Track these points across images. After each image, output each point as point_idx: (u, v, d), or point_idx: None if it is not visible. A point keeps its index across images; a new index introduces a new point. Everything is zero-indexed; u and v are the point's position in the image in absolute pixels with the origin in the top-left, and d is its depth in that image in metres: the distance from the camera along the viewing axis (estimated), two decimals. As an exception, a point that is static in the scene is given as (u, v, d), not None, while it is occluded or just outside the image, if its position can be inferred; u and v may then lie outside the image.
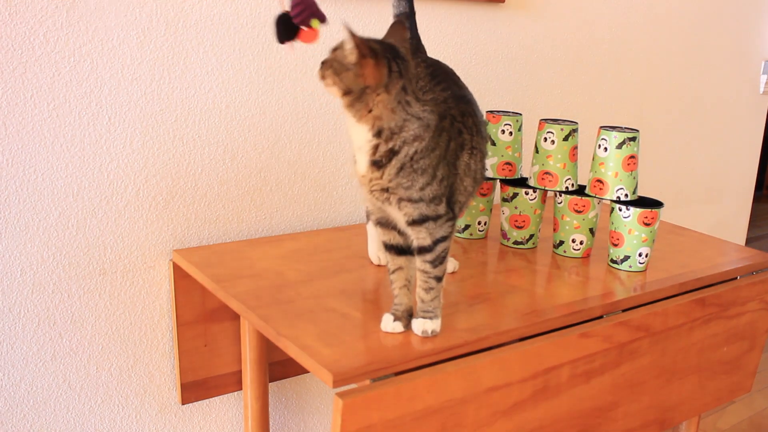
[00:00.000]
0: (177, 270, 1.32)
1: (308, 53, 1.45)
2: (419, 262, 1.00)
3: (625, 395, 1.19)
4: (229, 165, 1.40)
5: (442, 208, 0.99)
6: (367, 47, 0.92)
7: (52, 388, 1.29)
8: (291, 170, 1.48)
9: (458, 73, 1.68)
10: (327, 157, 1.52)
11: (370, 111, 0.94)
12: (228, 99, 1.37)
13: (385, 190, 0.97)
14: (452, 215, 1.01)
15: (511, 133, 1.41)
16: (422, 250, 0.99)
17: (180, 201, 1.35)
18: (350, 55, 0.93)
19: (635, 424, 1.24)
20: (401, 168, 0.95)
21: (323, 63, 0.97)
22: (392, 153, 0.95)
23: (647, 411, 1.25)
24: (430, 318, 1.00)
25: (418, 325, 1.00)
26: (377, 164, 0.95)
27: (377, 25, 1.52)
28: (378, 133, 0.94)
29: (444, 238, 1.00)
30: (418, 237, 0.99)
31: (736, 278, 1.36)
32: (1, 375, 1.24)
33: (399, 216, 1.00)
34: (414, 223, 0.98)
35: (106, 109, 1.24)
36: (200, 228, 1.39)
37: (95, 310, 1.30)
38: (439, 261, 0.99)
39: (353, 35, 0.92)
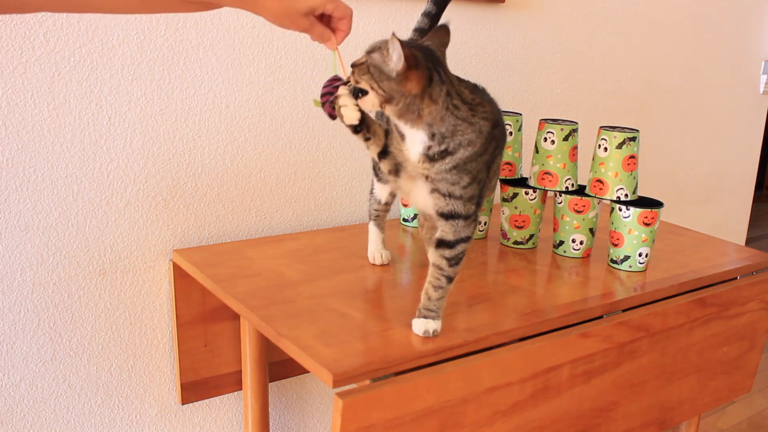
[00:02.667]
0: (177, 270, 1.32)
1: (309, 53, 1.45)
2: (436, 256, 1.00)
3: (625, 395, 1.19)
4: (229, 165, 1.40)
5: (472, 209, 1.02)
6: (413, 57, 0.93)
7: (52, 388, 1.29)
8: (291, 170, 1.48)
9: (458, 73, 1.68)
10: (327, 158, 1.52)
11: (420, 117, 0.96)
12: (228, 99, 1.37)
13: (427, 177, 1.01)
14: (476, 217, 1.04)
15: (511, 133, 1.41)
16: (443, 244, 1.01)
17: (180, 201, 1.35)
18: (396, 64, 0.93)
19: (635, 424, 1.24)
20: (454, 167, 0.98)
21: (356, 66, 0.97)
22: (446, 153, 0.98)
23: (647, 411, 1.25)
24: (433, 318, 1.00)
25: (420, 325, 1.00)
26: (430, 158, 0.98)
27: (377, 25, 1.52)
28: (431, 137, 0.97)
29: (467, 239, 1.02)
30: (443, 230, 1.01)
31: (736, 278, 1.36)
32: (1, 375, 1.24)
33: (429, 201, 1.02)
34: (443, 216, 1.01)
35: (106, 109, 1.24)
36: (200, 228, 1.39)
37: (95, 310, 1.30)
38: (456, 261, 1.00)
39: (402, 44, 0.92)
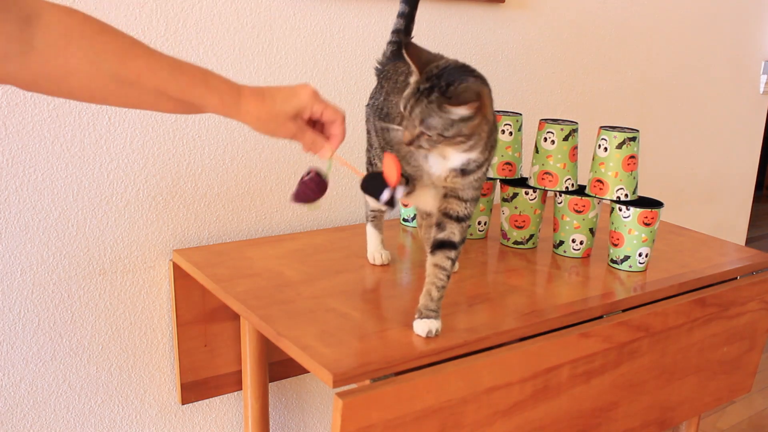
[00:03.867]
0: (177, 270, 1.32)
1: (309, 53, 1.45)
2: (441, 258, 1.01)
3: (625, 395, 1.19)
4: (229, 165, 1.40)
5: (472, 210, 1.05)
6: (478, 95, 0.91)
7: (52, 388, 1.29)
8: (291, 170, 1.48)
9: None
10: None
11: (481, 138, 0.96)
12: (228, 99, 1.37)
13: (450, 187, 1.02)
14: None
15: (511, 133, 1.41)
16: (449, 245, 1.02)
17: (180, 201, 1.35)
18: (465, 109, 0.91)
19: (635, 424, 1.24)
20: (485, 173, 1.01)
21: (415, 141, 0.93)
22: (485, 161, 0.99)
23: (647, 411, 1.25)
24: (434, 318, 1.00)
25: (423, 326, 0.99)
26: (464, 172, 0.99)
27: (377, 25, 1.52)
28: (481, 150, 0.98)
29: (465, 240, 1.04)
30: (452, 232, 1.02)
31: (736, 278, 1.36)
32: (1, 375, 1.24)
33: (440, 204, 1.03)
34: (457, 219, 1.02)
35: (106, 109, 1.24)
36: (200, 228, 1.39)
37: (95, 310, 1.30)
38: (455, 260, 1.03)
39: (468, 102, 0.90)
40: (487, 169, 1.02)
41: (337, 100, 1.50)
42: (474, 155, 0.97)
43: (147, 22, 1.25)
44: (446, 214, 1.02)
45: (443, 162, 0.99)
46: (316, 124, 0.94)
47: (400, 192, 0.99)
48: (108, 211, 1.28)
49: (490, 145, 1.00)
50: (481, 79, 0.96)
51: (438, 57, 0.98)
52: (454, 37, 1.66)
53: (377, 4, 1.51)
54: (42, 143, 1.20)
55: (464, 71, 0.95)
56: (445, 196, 1.02)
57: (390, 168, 0.97)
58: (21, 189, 1.20)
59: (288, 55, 1.42)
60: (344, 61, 1.49)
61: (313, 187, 0.96)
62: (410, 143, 0.94)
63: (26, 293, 1.23)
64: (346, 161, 0.98)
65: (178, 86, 0.80)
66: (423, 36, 1.61)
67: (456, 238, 1.02)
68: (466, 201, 1.02)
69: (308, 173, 0.96)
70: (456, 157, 0.98)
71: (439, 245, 1.02)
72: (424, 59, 0.96)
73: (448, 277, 1.01)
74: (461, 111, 0.91)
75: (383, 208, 0.99)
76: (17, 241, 1.21)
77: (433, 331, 0.99)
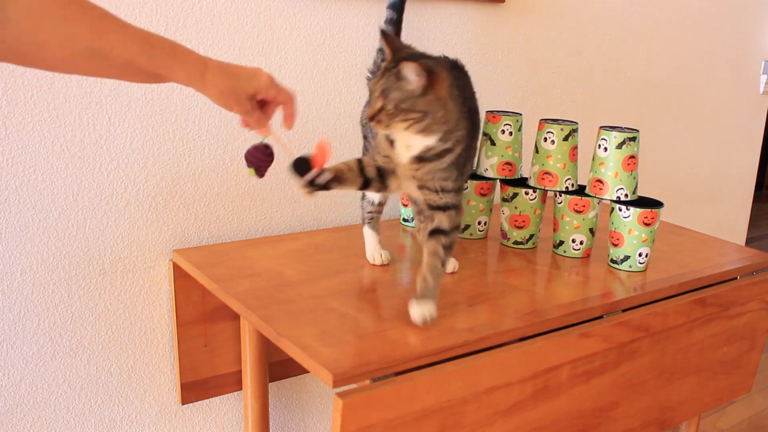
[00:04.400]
0: (177, 270, 1.32)
1: (308, 54, 1.45)
2: (434, 244, 1.04)
3: (625, 395, 1.19)
4: (229, 165, 1.40)
5: (459, 199, 1.07)
6: (428, 66, 0.96)
7: (52, 388, 1.29)
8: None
9: (458, 73, 1.68)
10: (327, 157, 1.52)
11: (442, 121, 0.99)
12: (228, 99, 1.37)
13: (414, 176, 1.04)
14: (459, 200, 1.08)
15: (511, 133, 1.41)
16: (440, 232, 1.05)
17: (180, 201, 1.35)
18: (418, 81, 0.96)
19: (635, 424, 1.24)
20: (451, 163, 1.02)
21: (375, 115, 0.98)
22: (446, 151, 1.01)
23: (647, 411, 1.25)
24: (430, 304, 1.02)
25: (419, 311, 1.01)
26: (423, 160, 1.02)
27: (377, 25, 1.52)
28: (442, 136, 1.00)
29: (458, 226, 1.07)
30: (440, 220, 1.05)
31: (736, 278, 1.36)
32: (1, 375, 1.24)
33: (420, 197, 1.07)
34: (438, 208, 1.05)
35: (106, 109, 1.24)
36: (200, 228, 1.39)
37: (95, 310, 1.30)
38: (450, 247, 1.06)
39: (417, 62, 0.94)
40: (452, 163, 1.03)
41: (337, 100, 1.50)
42: (430, 141, 1.01)
43: (147, 22, 1.25)
44: (428, 205, 1.06)
45: (406, 151, 1.03)
46: (262, 106, 1.00)
47: (324, 177, 1.04)
48: (108, 211, 1.28)
49: (455, 139, 1.02)
50: (447, 66, 1.01)
51: (412, 48, 1.04)
52: (454, 37, 1.66)
53: (377, 4, 1.51)
54: (42, 143, 1.20)
55: (433, 57, 1.00)
56: (420, 187, 1.06)
57: (319, 152, 1.03)
58: (21, 189, 1.20)
59: (288, 55, 1.42)
60: (344, 61, 1.49)
61: (257, 154, 1.03)
62: (372, 118, 0.99)
63: (26, 293, 1.23)
64: (280, 139, 1.03)
65: (148, 59, 0.83)
66: (423, 36, 1.61)
67: (445, 225, 1.05)
68: (437, 191, 1.05)
69: (254, 149, 1.04)
70: (415, 143, 1.01)
71: (433, 233, 1.05)
72: (398, 46, 1.03)
73: (443, 263, 1.04)
74: (412, 76, 0.95)
75: (305, 190, 1.03)
76: (17, 241, 1.21)
77: (428, 317, 1.02)
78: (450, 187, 1.05)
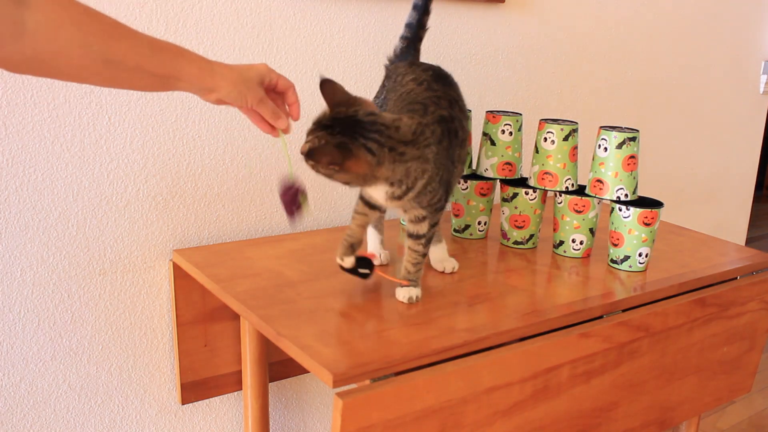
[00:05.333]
0: (177, 270, 1.32)
1: (308, 54, 1.45)
2: (412, 242, 1.11)
3: (625, 395, 1.19)
4: (229, 165, 1.40)
5: (441, 205, 1.10)
6: (340, 155, 0.96)
7: (52, 388, 1.29)
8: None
9: (458, 73, 1.68)
10: (327, 157, 1.52)
11: (376, 179, 1.01)
12: (228, 99, 1.37)
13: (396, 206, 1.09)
14: (444, 203, 1.11)
15: (511, 133, 1.41)
16: (418, 237, 1.10)
17: (180, 201, 1.35)
18: (332, 169, 0.98)
19: (635, 424, 1.24)
20: (417, 195, 1.05)
21: (306, 160, 1.00)
22: (407, 190, 1.04)
23: (647, 411, 1.25)
24: (414, 286, 1.11)
25: (404, 293, 1.10)
26: (395, 198, 1.05)
27: (377, 25, 1.52)
28: (391, 185, 1.03)
29: (436, 224, 1.11)
30: (418, 228, 1.10)
31: (736, 278, 1.36)
32: (1, 375, 1.24)
33: (403, 213, 1.11)
34: (418, 220, 1.09)
35: (106, 109, 1.24)
36: (200, 228, 1.39)
37: (95, 310, 1.30)
38: (429, 241, 1.11)
39: (322, 153, 0.96)
40: (423, 189, 1.04)
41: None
42: (384, 188, 1.03)
43: (147, 22, 1.25)
44: (410, 220, 1.10)
45: (375, 192, 1.06)
46: (271, 95, 1.03)
47: (379, 259, 1.22)
48: (108, 211, 1.28)
49: (414, 177, 1.02)
50: (376, 140, 0.98)
51: (354, 101, 1.00)
52: (454, 37, 1.66)
53: (377, 4, 1.51)
54: (42, 143, 1.20)
55: (360, 127, 0.98)
56: (404, 211, 1.10)
57: (367, 253, 1.16)
58: (21, 189, 1.20)
59: (288, 55, 1.42)
60: (344, 61, 1.49)
61: (288, 200, 1.04)
62: (306, 157, 1.00)
63: (26, 293, 1.23)
64: (287, 149, 1.08)
65: (159, 61, 0.87)
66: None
67: (422, 231, 1.10)
68: (418, 214, 1.08)
69: (281, 190, 1.04)
70: (372, 189, 1.05)
71: (411, 235, 1.11)
72: (337, 99, 1.00)
73: (424, 255, 1.11)
74: (323, 166, 0.98)
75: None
76: (17, 241, 1.21)
77: (413, 298, 1.10)
78: (426, 208, 1.08)
